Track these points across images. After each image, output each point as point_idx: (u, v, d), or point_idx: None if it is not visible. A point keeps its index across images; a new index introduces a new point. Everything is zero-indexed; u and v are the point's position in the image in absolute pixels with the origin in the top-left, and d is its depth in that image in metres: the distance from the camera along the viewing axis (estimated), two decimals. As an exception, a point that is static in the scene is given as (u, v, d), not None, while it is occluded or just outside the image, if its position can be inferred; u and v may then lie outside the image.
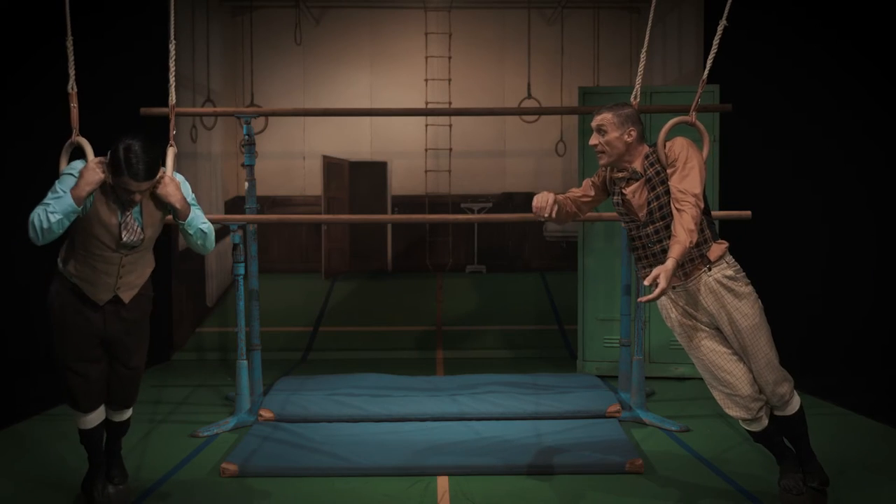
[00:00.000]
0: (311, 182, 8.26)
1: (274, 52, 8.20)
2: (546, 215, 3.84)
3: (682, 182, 3.72)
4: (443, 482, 4.48)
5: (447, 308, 8.31)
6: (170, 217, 4.02)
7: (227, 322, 7.98)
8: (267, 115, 8.02)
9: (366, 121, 8.21)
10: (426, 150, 8.28)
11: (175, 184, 3.89)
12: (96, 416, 4.10)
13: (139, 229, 3.86)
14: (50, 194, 3.75)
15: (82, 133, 4.03)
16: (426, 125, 8.27)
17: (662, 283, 3.53)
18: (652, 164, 3.85)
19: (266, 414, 5.59)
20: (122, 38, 7.24)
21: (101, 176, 3.75)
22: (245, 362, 5.73)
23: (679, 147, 3.78)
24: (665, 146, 3.82)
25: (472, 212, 8.30)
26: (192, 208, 3.96)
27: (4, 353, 6.92)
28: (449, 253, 8.39)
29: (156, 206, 3.92)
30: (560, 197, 4.02)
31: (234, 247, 5.70)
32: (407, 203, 8.25)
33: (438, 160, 8.30)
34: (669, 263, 3.58)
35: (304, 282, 8.29)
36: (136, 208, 3.85)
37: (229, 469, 4.61)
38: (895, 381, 6.52)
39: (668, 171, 3.78)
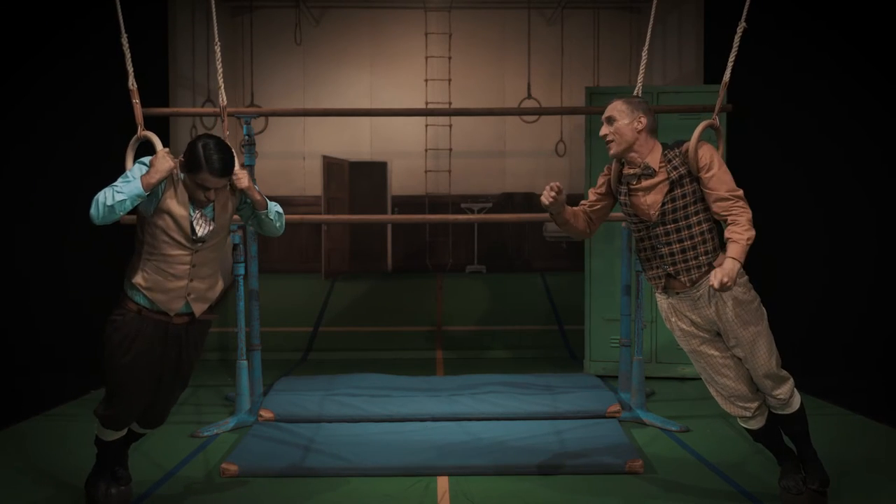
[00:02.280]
0: (311, 182, 8.26)
1: (274, 52, 8.21)
2: (551, 198, 3.80)
3: (726, 186, 3.73)
4: (443, 482, 4.48)
5: (447, 308, 8.31)
6: (235, 216, 4.07)
7: (228, 322, 7.95)
8: (267, 115, 8.03)
9: (366, 121, 8.21)
10: (426, 150, 8.29)
11: (248, 176, 3.92)
12: (123, 432, 4.09)
13: (210, 222, 3.87)
14: (120, 178, 3.75)
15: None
16: (426, 125, 8.28)
17: (725, 279, 3.56)
18: (675, 168, 3.80)
19: (266, 414, 5.59)
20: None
21: (172, 164, 3.77)
22: (245, 362, 5.73)
23: (710, 151, 3.78)
24: (696, 151, 3.78)
25: (473, 212, 8.30)
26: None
27: (6, 354, 6.92)
28: (449, 253, 8.39)
29: (225, 201, 3.93)
30: (571, 209, 4.00)
31: (234, 247, 5.70)
32: (407, 203, 8.25)
33: (438, 160, 8.30)
34: (728, 262, 3.61)
35: (304, 282, 8.30)
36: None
37: (229, 469, 4.61)
38: (895, 381, 6.52)
39: (704, 174, 3.75)
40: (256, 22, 8.20)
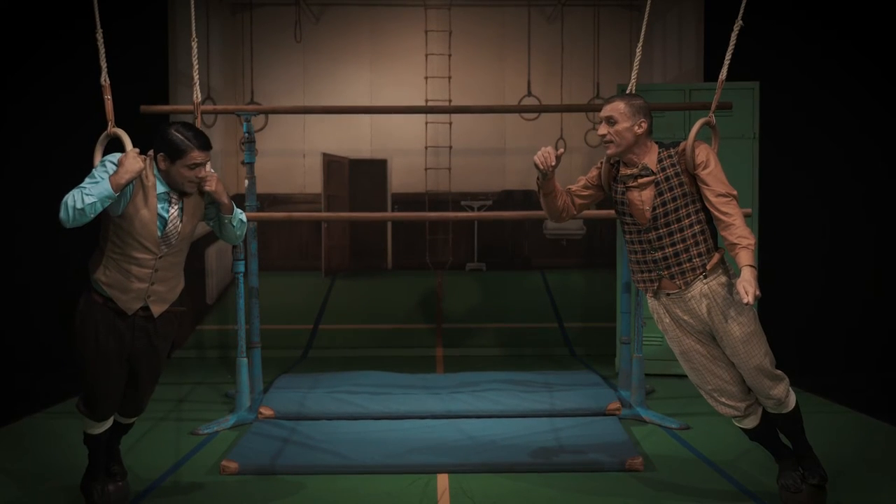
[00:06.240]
0: (311, 180, 8.26)
1: (274, 49, 8.20)
2: (551, 164, 3.79)
3: (723, 183, 3.74)
4: (443, 480, 4.49)
5: (447, 306, 8.31)
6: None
7: (228, 320, 7.98)
8: (267, 112, 8.02)
9: (366, 118, 8.21)
10: (426, 147, 8.28)
11: (217, 178, 3.90)
12: (107, 423, 4.09)
13: (179, 224, 3.84)
14: (87, 179, 3.70)
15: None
16: (426, 123, 8.27)
17: (757, 292, 3.54)
18: (664, 169, 3.80)
19: (266, 412, 5.59)
20: (122, 37, 7.23)
21: (141, 165, 3.71)
22: (245, 360, 5.74)
23: (707, 150, 3.78)
24: (693, 149, 3.77)
25: (472, 209, 8.30)
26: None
27: (5, 352, 6.93)
28: (449, 251, 8.40)
29: (194, 207, 3.91)
30: (559, 186, 4.00)
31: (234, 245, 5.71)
32: (407, 201, 8.25)
33: (438, 158, 8.30)
34: (748, 273, 3.58)
35: (304, 279, 8.30)
36: (179, 205, 3.83)
37: (229, 467, 4.62)
38: (894, 379, 6.52)
39: (702, 171, 3.74)
40: (256, 19, 8.20)
